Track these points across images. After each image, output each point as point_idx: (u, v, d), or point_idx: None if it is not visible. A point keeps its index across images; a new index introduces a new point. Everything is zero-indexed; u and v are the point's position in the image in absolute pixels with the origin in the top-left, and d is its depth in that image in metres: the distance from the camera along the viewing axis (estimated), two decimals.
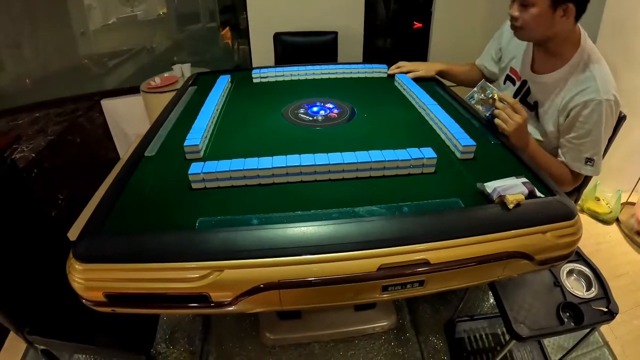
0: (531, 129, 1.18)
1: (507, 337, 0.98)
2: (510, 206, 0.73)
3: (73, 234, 1.64)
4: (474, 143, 0.93)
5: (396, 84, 1.43)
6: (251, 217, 0.75)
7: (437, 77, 1.47)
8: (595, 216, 2.01)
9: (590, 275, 1.05)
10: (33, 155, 1.82)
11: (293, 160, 0.85)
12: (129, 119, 2.69)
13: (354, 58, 2.51)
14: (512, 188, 0.75)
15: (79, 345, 0.99)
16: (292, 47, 2.29)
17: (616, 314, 0.96)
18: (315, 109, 1.21)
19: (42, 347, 1.00)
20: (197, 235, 0.69)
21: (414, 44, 2.78)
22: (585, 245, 1.76)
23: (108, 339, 0.98)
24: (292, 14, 2.36)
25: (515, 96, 1.24)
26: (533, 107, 1.18)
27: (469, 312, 1.47)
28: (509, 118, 1.00)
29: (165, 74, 2.55)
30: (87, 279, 0.66)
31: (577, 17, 1.00)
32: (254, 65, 2.36)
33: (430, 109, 1.12)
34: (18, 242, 0.96)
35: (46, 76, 2.64)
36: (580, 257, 1.09)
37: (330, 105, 1.23)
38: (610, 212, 1.97)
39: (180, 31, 3.35)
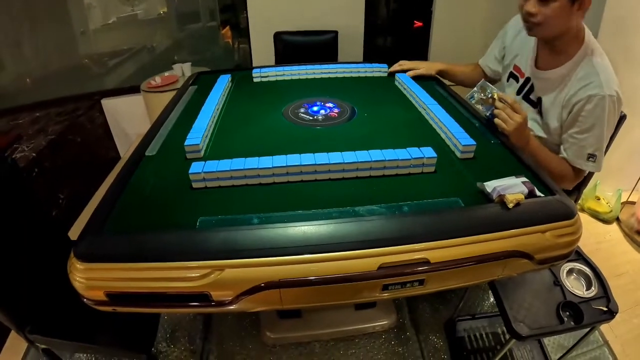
0: (535, 126, 1.18)
1: (507, 336, 0.98)
2: (510, 205, 0.73)
3: (74, 233, 1.65)
4: (474, 142, 0.93)
5: (396, 83, 1.42)
6: (252, 216, 0.75)
7: (437, 76, 1.47)
8: (596, 215, 2.01)
9: (590, 275, 1.05)
10: (33, 154, 1.82)
11: (293, 159, 0.85)
12: (129, 118, 2.69)
13: (355, 57, 2.51)
14: (511, 187, 0.75)
15: (80, 344, 1.00)
16: (292, 47, 2.29)
17: (616, 313, 0.96)
18: (315, 108, 1.21)
19: (43, 346, 1.00)
20: (197, 235, 0.69)
21: (415, 43, 2.78)
22: (585, 244, 1.75)
23: (109, 338, 0.98)
24: (292, 13, 2.36)
25: (518, 93, 1.24)
26: (536, 104, 1.18)
27: (469, 311, 1.47)
28: (509, 118, 1.00)
29: (166, 74, 2.55)
30: (88, 278, 0.66)
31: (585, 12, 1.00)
32: (254, 65, 2.36)
33: (430, 109, 1.12)
34: (19, 242, 0.96)
35: (46, 76, 2.64)
36: (580, 256, 1.09)
37: (331, 105, 1.23)
38: (611, 211, 1.97)
39: (180, 30, 3.35)
